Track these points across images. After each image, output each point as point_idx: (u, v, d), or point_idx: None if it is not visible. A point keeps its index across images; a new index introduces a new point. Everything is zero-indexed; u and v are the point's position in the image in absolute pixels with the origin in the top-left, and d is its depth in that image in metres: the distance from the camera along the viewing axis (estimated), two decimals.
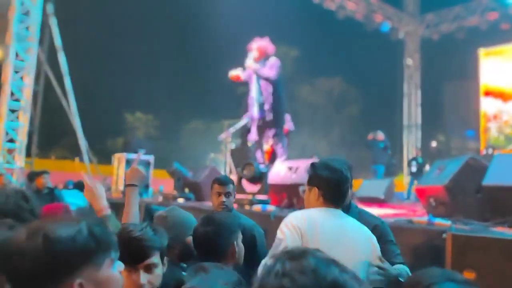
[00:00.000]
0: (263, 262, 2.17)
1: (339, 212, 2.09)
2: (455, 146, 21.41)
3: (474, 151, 14.97)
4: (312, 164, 2.25)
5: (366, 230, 2.05)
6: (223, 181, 3.07)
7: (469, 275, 1.99)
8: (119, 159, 8.91)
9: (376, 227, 2.23)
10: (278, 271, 0.79)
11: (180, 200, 5.95)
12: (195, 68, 25.73)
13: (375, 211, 5.05)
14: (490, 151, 12.09)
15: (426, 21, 16.20)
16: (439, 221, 2.94)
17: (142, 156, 1.83)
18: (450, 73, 20.42)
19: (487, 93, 14.79)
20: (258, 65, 6.13)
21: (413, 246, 2.65)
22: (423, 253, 2.58)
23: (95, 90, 23.26)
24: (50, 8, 10.20)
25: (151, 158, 8.38)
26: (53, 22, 10.26)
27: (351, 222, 2.07)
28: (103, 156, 14.76)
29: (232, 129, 8.69)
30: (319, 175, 2.16)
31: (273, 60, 6.18)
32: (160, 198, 6.32)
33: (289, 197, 4.95)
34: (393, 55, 17.44)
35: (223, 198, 2.98)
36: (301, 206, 4.81)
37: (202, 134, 23.68)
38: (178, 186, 6.09)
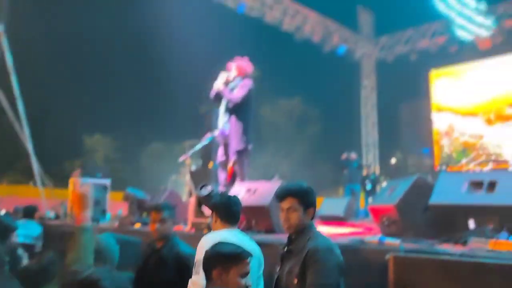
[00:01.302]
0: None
1: (238, 231, 2.69)
2: (412, 163, 22.18)
3: (429, 168, 15.55)
4: (209, 194, 3.26)
5: (256, 247, 2.60)
6: (156, 208, 3.15)
7: None
8: (75, 183, 8.62)
9: (309, 251, 2.22)
10: None
11: (137, 226, 5.79)
12: (156, 88, 25.54)
13: (333, 230, 5.12)
14: (444, 167, 12.55)
15: (381, 44, 16.87)
16: (389, 240, 3.02)
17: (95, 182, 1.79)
18: (405, 93, 21.28)
19: (439, 111, 15.49)
20: (223, 86, 6.16)
21: (364, 265, 2.71)
22: (372, 272, 2.64)
23: (53, 112, 22.64)
24: (0, 27, 9.91)
25: (108, 182, 8.17)
26: (4, 42, 9.95)
27: (247, 239, 2.63)
28: (60, 180, 14.27)
29: (192, 150, 8.63)
30: (214, 202, 2.79)
31: (246, 81, 6.23)
32: (116, 224, 6.14)
33: (247, 219, 4.93)
34: (350, 76, 18.04)
35: (157, 225, 3.04)
36: (260, 229, 4.83)
37: (164, 156, 23.37)
38: (134, 211, 5.95)
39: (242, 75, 6.24)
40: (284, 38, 15.25)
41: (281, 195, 2.39)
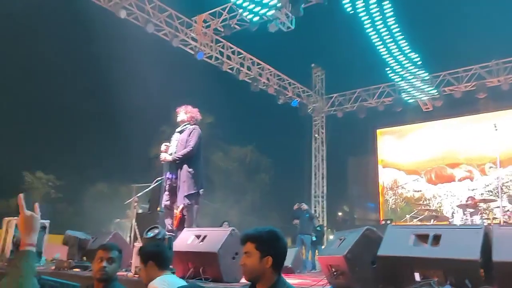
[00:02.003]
0: None
1: (175, 276, 3.02)
2: (358, 216, 22.69)
3: (375, 222, 15.96)
4: (154, 237, 3.77)
5: None
6: (107, 246, 3.05)
7: None
8: (8, 223, 8.04)
9: None
10: None
11: (77, 270, 5.43)
12: (106, 128, 24.92)
13: None
14: (388, 221, 12.94)
15: (332, 100, 17.65)
16: None
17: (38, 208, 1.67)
18: (353, 148, 22.05)
19: (384, 167, 16.22)
20: (167, 155, 6.15)
21: None
22: None
23: None
24: None
25: (46, 222, 7.69)
26: None
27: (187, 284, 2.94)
28: None
29: (140, 194, 8.38)
30: (149, 250, 3.04)
31: (195, 130, 6.26)
32: (53, 267, 5.72)
33: (195, 266, 4.77)
34: (302, 128, 18.56)
35: (104, 263, 2.88)
36: (208, 277, 4.68)
37: (109, 198, 22.38)
38: (74, 253, 5.60)
39: (192, 121, 6.29)
40: (241, 87, 15.60)
41: (242, 239, 2.41)
